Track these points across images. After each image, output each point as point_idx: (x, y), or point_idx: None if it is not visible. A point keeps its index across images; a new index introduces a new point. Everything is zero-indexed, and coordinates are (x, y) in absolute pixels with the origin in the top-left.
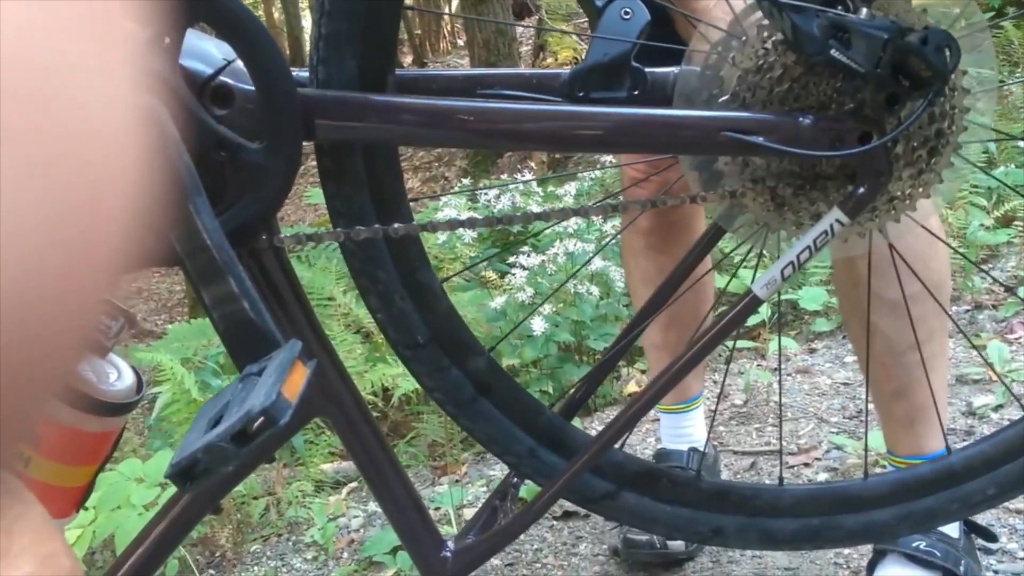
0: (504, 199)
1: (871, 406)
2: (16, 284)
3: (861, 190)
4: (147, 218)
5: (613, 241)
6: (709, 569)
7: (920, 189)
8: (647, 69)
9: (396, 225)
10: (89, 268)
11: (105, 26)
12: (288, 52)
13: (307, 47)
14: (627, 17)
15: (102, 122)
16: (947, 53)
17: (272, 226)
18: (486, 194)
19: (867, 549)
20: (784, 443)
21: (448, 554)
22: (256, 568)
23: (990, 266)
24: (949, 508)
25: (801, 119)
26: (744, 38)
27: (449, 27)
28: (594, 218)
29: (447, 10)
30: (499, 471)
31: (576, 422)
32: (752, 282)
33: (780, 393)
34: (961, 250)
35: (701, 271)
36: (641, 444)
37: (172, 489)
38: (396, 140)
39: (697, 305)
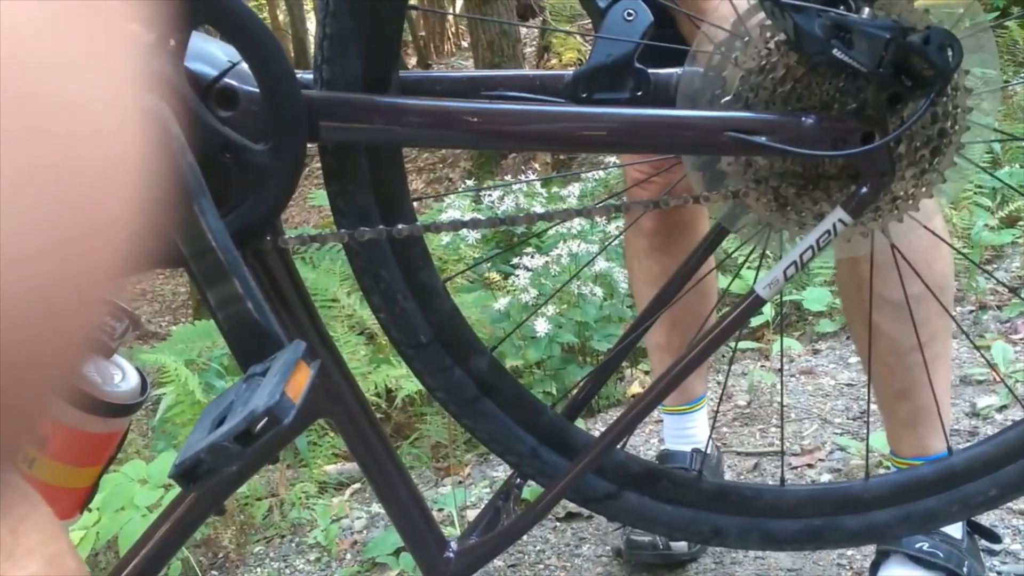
0: (508, 200)
1: (874, 407)
2: (18, 284)
3: (864, 190)
4: (151, 219)
5: (616, 242)
6: (712, 570)
7: (923, 189)
8: (650, 70)
9: (400, 226)
10: (92, 269)
11: (108, 27)
12: (292, 54)
13: (311, 49)
14: (630, 18)
15: (104, 123)
16: (949, 52)
17: (276, 227)
18: (490, 195)
19: (870, 550)
20: (788, 444)
21: (451, 555)
22: (259, 569)
23: (994, 267)
24: (950, 509)
25: (804, 119)
26: (747, 38)
27: (453, 29)
28: (598, 219)
29: (451, 11)
30: (502, 472)
31: (579, 423)
32: (755, 282)
33: (782, 394)
34: (965, 251)
35: (704, 272)
36: (644, 445)
37: (176, 490)
38: (400, 141)
39: (700, 306)
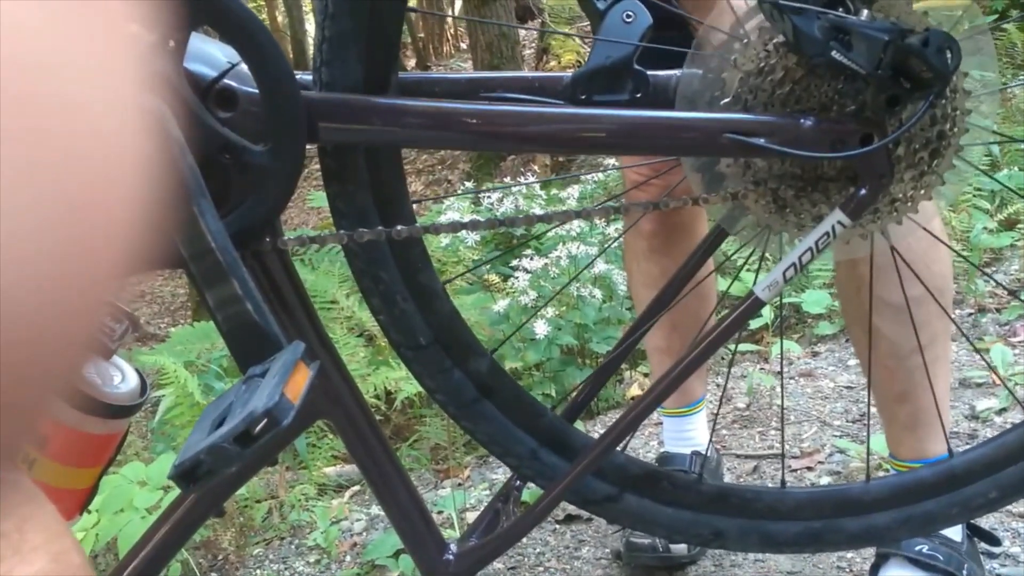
0: (507, 202)
1: (874, 409)
2: (19, 285)
3: (863, 192)
4: (150, 220)
5: (615, 244)
6: (712, 573)
7: (922, 191)
8: (649, 72)
9: (399, 227)
10: (92, 269)
11: (108, 27)
12: (291, 56)
13: (310, 51)
14: (629, 20)
15: (104, 123)
16: (948, 55)
17: (276, 228)
18: (489, 197)
19: (870, 553)
20: (787, 447)
21: (451, 557)
22: (258, 571)
23: (993, 269)
24: (950, 512)
25: (803, 121)
26: (746, 40)
27: (452, 31)
28: (597, 221)
29: (450, 13)
30: (502, 475)
31: (579, 425)
32: (754, 284)
33: (783, 396)
34: (964, 253)
35: (703, 274)
36: (644, 447)
37: (175, 493)
38: (399, 142)
39: (699, 308)
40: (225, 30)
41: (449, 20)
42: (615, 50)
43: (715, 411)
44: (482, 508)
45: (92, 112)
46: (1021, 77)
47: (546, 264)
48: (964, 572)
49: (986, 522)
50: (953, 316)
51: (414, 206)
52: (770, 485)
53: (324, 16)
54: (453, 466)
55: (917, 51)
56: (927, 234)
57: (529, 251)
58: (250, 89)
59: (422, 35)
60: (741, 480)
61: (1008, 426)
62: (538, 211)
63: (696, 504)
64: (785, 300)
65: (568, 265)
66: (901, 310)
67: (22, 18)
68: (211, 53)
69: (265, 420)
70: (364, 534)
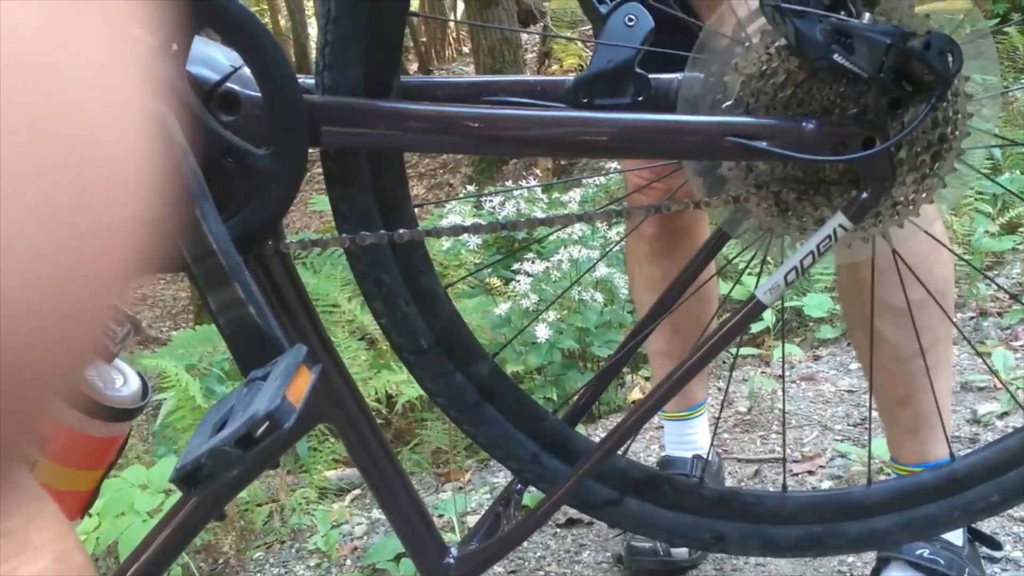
0: (509, 206)
1: (875, 413)
2: (21, 288)
3: (864, 195)
4: (153, 223)
5: (617, 248)
6: None
7: (924, 194)
8: (651, 76)
9: (401, 231)
10: (94, 273)
11: (111, 31)
12: (294, 59)
13: (313, 54)
14: (631, 24)
15: (107, 127)
16: (950, 58)
17: (278, 232)
18: (491, 200)
19: (871, 557)
20: (788, 451)
21: (451, 560)
22: (259, 575)
23: (995, 273)
24: (951, 515)
25: (804, 124)
26: (748, 44)
27: (455, 35)
28: (599, 225)
29: (452, 17)
30: (503, 478)
31: (580, 429)
32: (755, 288)
33: (784, 400)
34: (966, 257)
35: (705, 277)
36: (645, 451)
37: (176, 496)
38: (401, 146)
39: (701, 311)
40: (228, 33)
41: (451, 24)
42: (617, 54)
43: (717, 415)
44: (483, 512)
45: (94, 115)
46: (1023, 81)
47: (548, 268)
48: None
49: (987, 526)
50: (955, 320)
51: (416, 210)
52: (771, 489)
53: (326, 20)
54: (454, 470)
55: (919, 54)
56: (929, 238)
57: (531, 255)
58: (253, 93)
59: (424, 39)
60: (742, 484)
61: (1009, 430)
62: (540, 215)
63: (697, 508)
64: (787, 304)
65: (570, 269)
66: (903, 314)
67: (24, 20)
68: (214, 57)
69: (266, 423)
70: (365, 538)
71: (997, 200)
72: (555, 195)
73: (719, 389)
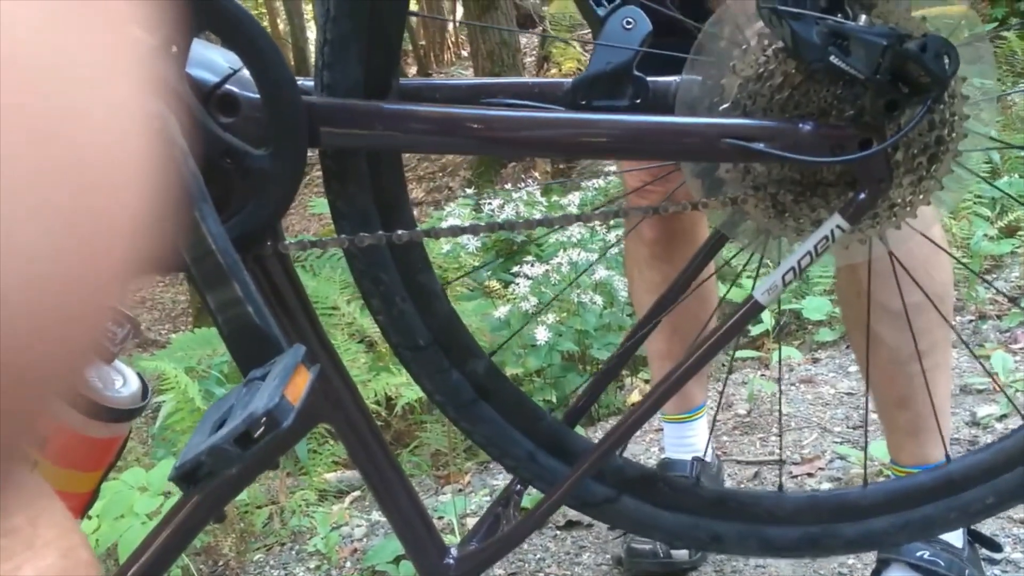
0: (508, 208)
1: (874, 416)
2: (22, 289)
3: (862, 196)
4: (153, 224)
5: (616, 251)
6: None
7: (920, 196)
8: (649, 78)
9: (399, 232)
10: (95, 273)
11: (112, 32)
12: (293, 63)
13: (312, 57)
14: (629, 27)
15: (108, 127)
16: (946, 60)
17: (277, 232)
18: (490, 203)
19: (871, 559)
20: (788, 453)
21: (451, 561)
22: None
23: (994, 276)
24: (948, 516)
25: (801, 126)
26: (745, 46)
27: (454, 38)
28: (598, 228)
29: (452, 21)
30: (502, 481)
31: (579, 431)
32: (753, 289)
33: (780, 400)
34: (965, 260)
35: (703, 279)
36: (645, 454)
37: (176, 498)
38: (400, 147)
39: (700, 312)
40: (227, 35)
41: (450, 28)
42: (615, 56)
43: (714, 416)
44: (483, 514)
45: (95, 116)
46: (1021, 85)
47: (547, 270)
48: None
49: (987, 528)
50: (954, 323)
51: (415, 212)
52: (769, 490)
53: (326, 19)
54: (454, 472)
55: (915, 56)
56: (928, 242)
57: (530, 257)
58: (251, 94)
59: (423, 43)
60: (742, 486)
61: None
62: (538, 217)
63: (695, 508)
64: (786, 307)
65: (569, 271)
66: (902, 316)
67: (24, 20)
68: (213, 59)
69: (265, 421)
70: (364, 540)
71: (996, 204)
72: (554, 198)
73: (720, 392)
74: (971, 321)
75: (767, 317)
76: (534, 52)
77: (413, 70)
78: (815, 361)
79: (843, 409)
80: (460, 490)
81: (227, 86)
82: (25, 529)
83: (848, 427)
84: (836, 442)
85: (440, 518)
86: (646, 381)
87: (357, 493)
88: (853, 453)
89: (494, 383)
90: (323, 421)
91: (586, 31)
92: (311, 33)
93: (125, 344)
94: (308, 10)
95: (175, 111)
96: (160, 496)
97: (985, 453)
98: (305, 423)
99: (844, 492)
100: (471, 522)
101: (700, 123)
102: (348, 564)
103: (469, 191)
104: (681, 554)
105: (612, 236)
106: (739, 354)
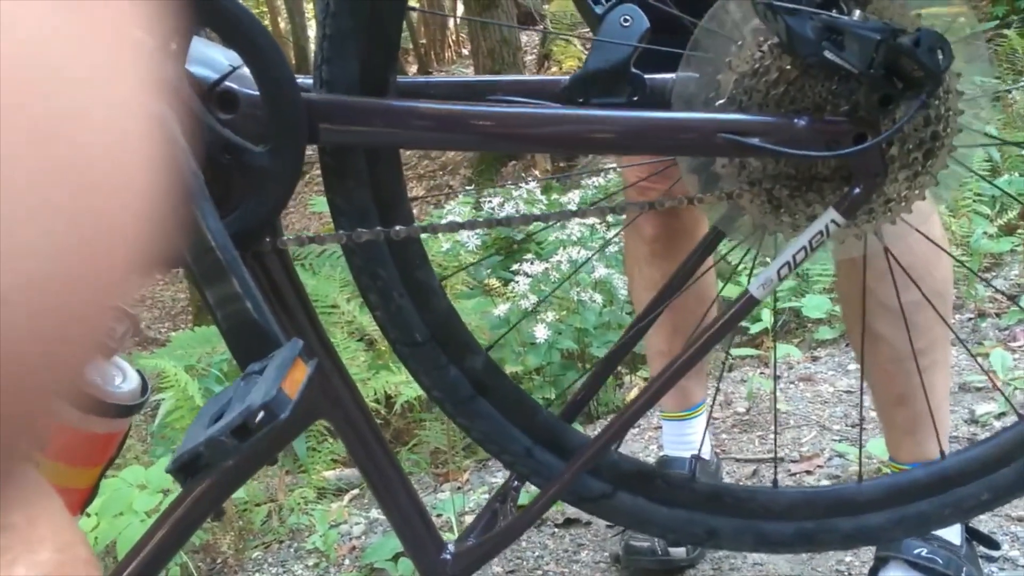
0: (508, 206)
1: (873, 413)
2: (24, 289)
3: (856, 190)
4: (156, 223)
5: (615, 248)
6: None
7: (916, 191)
8: (646, 75)
9: (397, 228)
10: (97, 273)
11: (113, 31)
12: (294, 61)
13: (312, 56)
14: (627, 24)
15: (109, 127)
16: (940, 55)
17: (276, 229)
18: (490, 202)
19: (869, 556)
20: (786, 451)
21: (448, 557)
22: (258, 575)
23: (993, 274)
24: (943, 512)
25: (797, 121)
26: (741, 42)
27: (454, 36)
28: (597, 225)
29: (453, 18)
30: (501, 478)
31: (578, 428)
32: (748, 283)
33: (775, 394)
34: (964, 258)
35: (702, 275)
36: (644, 451)
37: (175, 496)
38: (399, 144)
39: (699, 310)
40: (226, 32)
41: (451, 26)
42: (613, 53)
43: (710, 413)
44: (480, 510)
45: (96, 116)
46: (1021, 81)
47: (547, 268)
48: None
49: (985, 526)
50: (953, 321)
51: (415, 210)
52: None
53: (325, 14)
54: (452, 470)
55: (908, 51)
56: (927, 240)
57: (529, 255)
58: (251, 91)
59: (424, 41)
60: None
61: None
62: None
63: (690, 503)
64: (786, 305)
65: (568, 269)
66: (902, 315)
67: (24, 20)
68: (212, 56)
69: (262, 413)
70: (363, 537)
71: (995, 202)
72: (554, 196)
73: (716, 388)
74: (970, 319)
75: (767, 315)
76: (535, 50)
77: (414, 68)
78: (814, 359)
79: (842, 407)
80: (459, 488)
81: (226, 83)
82: (22, 526)
83: (847, 425)
84: (835, 440)
85: (439, 516)
86: (645, 379)
87: (356, 491)
88: (852, 451)
89: (492, 379)
90: (322, 418)
91: (587, 29)
92: (312, 31)
93: (124, 340)
94: (309, 8)
95: (175, 108)
96: (159, 494)
97: (980, 449)
98: (303, 418)
99: (840, 488)
100: (470, 520)
101: (696, 118)
102: (347, 562)
103: (469, 189)
104: (679, 551)
105: (612, 235)
106: (738, 352)
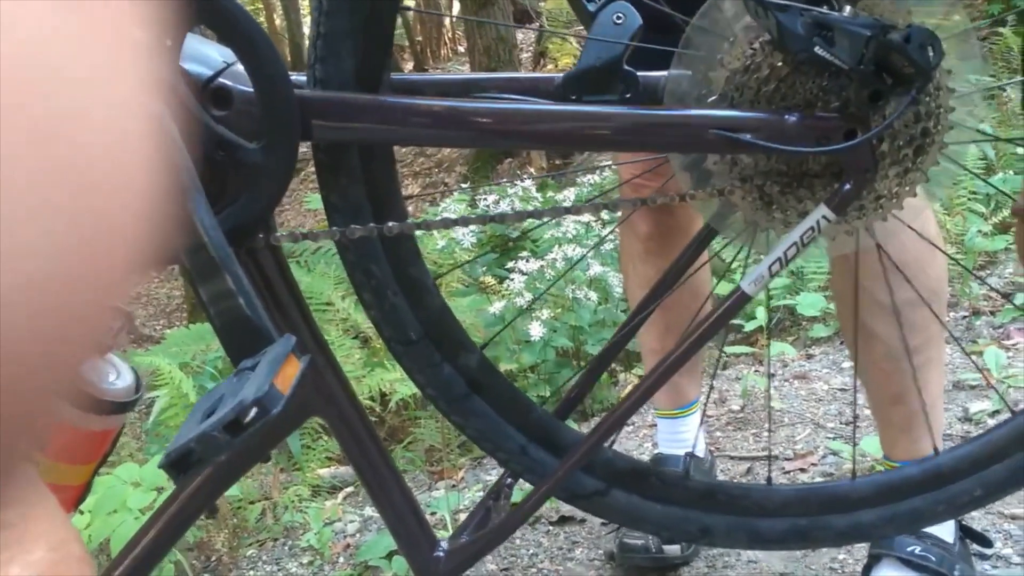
0: (504, 204)
1: (867, 411)
2: (23, 289)
3: (847, 187)
4: (153, 222)
5: (610, 246)
6: (704, 574)
7: (907, 187)
8: (639, 72)
9: (391, 224)
10: (97, 273)
11: (111, 30)
12: (289, 59)
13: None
14: (619, 22)
15: (108, 127)
16: (930, 51)
17: (269, 225)
18: (485, 198)
19: (862, 554)
20: (781, 449)
21: (441, 554)
22: (252, 573)
23: (988, 272)
24: (936, 509)
25: (787, 117)
26: (732, 39)
27: (450, 34)
28: (593, 223)
29: (448, 16)
30: (495, 476)
31: (572, 425)
32: (741, 279)
33: (769, 392)
34: (959, 256)
35: (695, 272)
36: (638, 449)
37: (169, 494)
38: (392, 140)
39: (693, 307)
40: (221, 30)
41: (447, 24)
42: (606, 51)
43: (703, 410)
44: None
45: (95, 116)
46: (1013, 79)
47: (542, 266)
48: (956, 573)
49: (978, 524)
50: (947, 319)
51: (410, 208)
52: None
53: (319, 13)
54: (447, 468)
55: (898, 47)
56: (921, 237)
57: (525, 253)
58: (245, 88)
59: (420, 38)
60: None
61: None
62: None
63: (684, 500)
64: (780, 303)
65: (564, 267)
66: (896, 313)
67: (24, 20)
68: (206, 53)
69: (255, 409)
70: (357, 535)
71: (990, 200)
72: (549, 194)
73: (710, 386)
74: (965, 317)
75: (761, 313)
76: (531, 48)
77: (410, 66)
78: (809, 357)
79: (836, 405)
80: (453, 486)
81: (221, 79)
82: (16, 524)
83: (841, 423)
84: (829, 438)
85: (433, 513)
86: (639, 377)
87: (350, 489)
88: (846, 449)
89: (486, 377)
90: (316, 415)
91: (582, 27)
92: (307, 29)
93: (119, 337)
94: (305, 5)
95: (169, 105)
96: (153, 491)
97: (973, 445)
98: (296, 415)
99: (833, 485)
100: (464, 517)
101: (688, 114)
102: (341, 559)
103: (465, 186)
104: (673, 549)
105: (607, 231)
106: (733, 350)
